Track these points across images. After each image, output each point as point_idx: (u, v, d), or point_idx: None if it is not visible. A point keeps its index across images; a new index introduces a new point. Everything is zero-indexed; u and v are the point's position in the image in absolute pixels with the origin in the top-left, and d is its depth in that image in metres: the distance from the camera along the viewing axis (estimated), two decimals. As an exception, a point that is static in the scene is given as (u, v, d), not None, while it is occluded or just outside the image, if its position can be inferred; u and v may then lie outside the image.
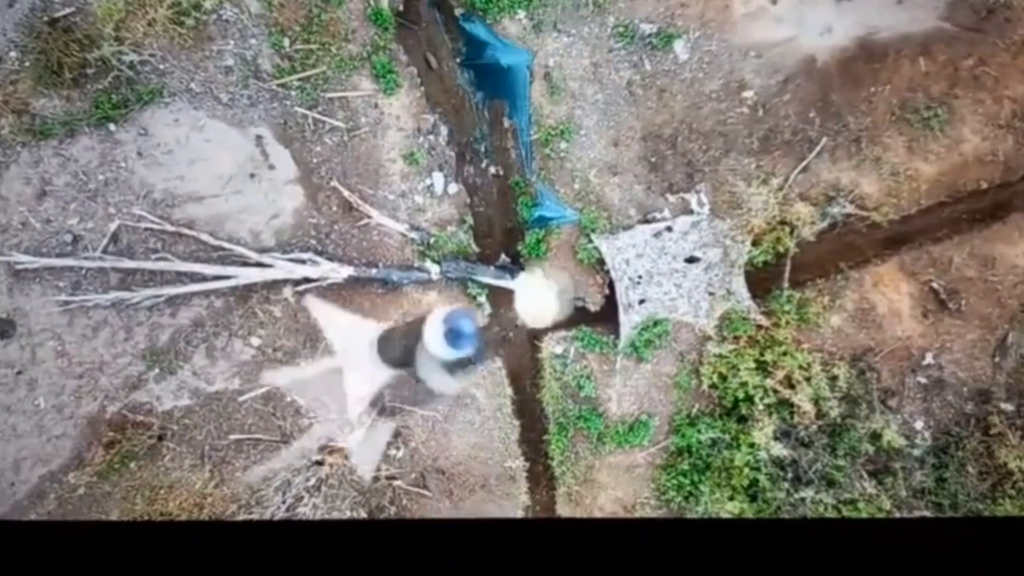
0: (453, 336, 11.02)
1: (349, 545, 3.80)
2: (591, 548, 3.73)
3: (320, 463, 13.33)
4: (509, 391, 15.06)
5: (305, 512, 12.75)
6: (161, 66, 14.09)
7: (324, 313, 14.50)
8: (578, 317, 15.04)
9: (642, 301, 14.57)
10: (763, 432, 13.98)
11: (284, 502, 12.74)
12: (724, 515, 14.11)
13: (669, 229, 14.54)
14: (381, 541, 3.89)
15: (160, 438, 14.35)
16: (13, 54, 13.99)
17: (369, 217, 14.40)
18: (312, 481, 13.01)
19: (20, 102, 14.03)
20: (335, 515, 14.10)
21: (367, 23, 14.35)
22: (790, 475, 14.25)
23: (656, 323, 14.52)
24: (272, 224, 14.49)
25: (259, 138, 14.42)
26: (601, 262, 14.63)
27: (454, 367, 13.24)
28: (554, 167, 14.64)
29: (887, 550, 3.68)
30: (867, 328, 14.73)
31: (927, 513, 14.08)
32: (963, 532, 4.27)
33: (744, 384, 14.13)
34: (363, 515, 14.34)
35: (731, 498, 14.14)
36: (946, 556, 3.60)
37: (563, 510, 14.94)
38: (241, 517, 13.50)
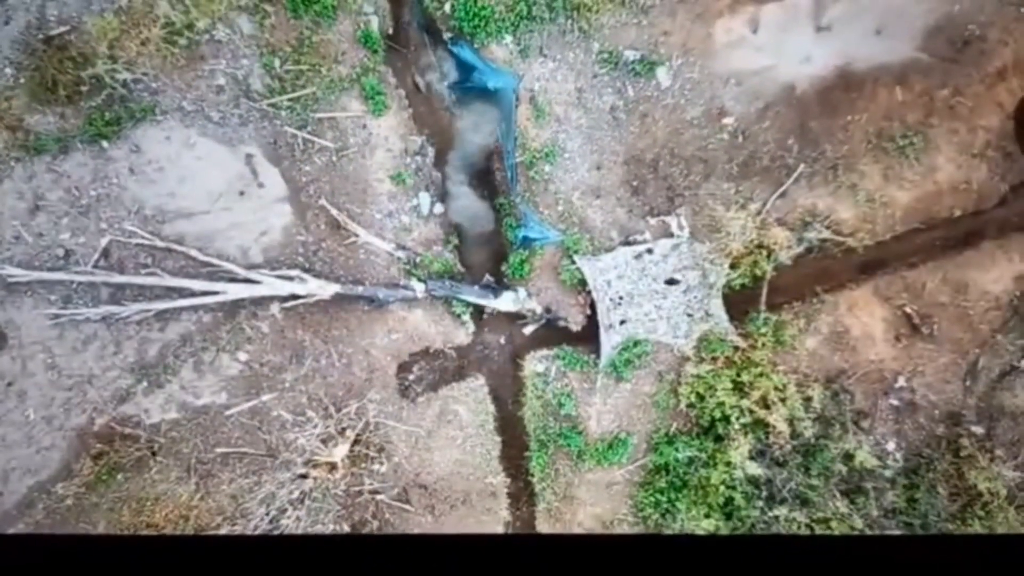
0: None
1: (331, 559, 3.88)
2: (570, 564, 3.84)
3: (304, 476, 13.60)
4: (491, 408, 15.40)
5: (288, 524, 13.02)
6: (154, 84, 14.33)
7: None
8: (560, 336, 15.37)
9: (623, 322, 14.89)
10: (739, 451, 14.33)
11: (268, 514, 13.00)
12: (700, 532, 14.41)
13: (650, 251, 14.87)
14: (362, 556, 3.96)
15: (153, 454, 14.59)
16: (8, 71, 14.19)
17: (356, 236, 14.70)
18: (296, 494, 13.28)
19: (14, 118, 14.25)
20: (318, 528, 14.36)
21: (357, 45, 14.63)
22: (765, 493, 14.58)
23: (636, 343, 14.85)
24: (261, 241, 14.75)
25: (249, 156, 14.68)
26: (583, 283, 14.98)
27: None
28: (538, 189, 14.96)
29: (861, 566, 3.81)
30: (841, 351, 15.09)
31: (896, 531, 14.41)
32: (935, 550, 4.28)
33: (721, 404, 14.48)
34: (346, 529, 14.60)
35: (707, 515, 14.46)
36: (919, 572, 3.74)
37: (543, 526, 15.24)
38: (225, 530, 13.75)
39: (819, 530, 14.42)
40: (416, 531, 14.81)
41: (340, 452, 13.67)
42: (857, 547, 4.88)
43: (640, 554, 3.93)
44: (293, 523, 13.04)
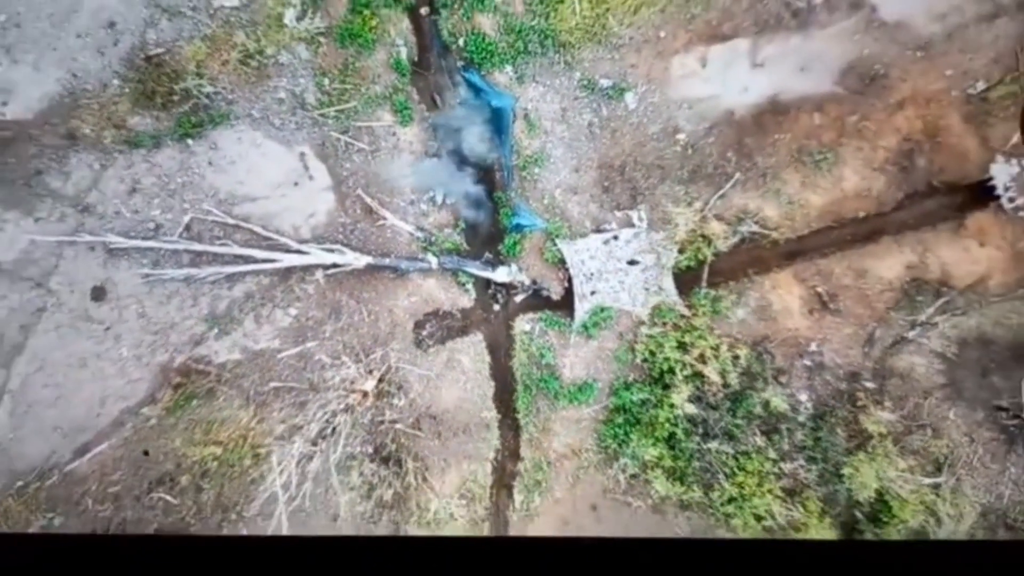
0: None
1: (330, 560, 3.87)
2: (564, 565, 3.84)
3: (346, 395, 17.09)
4: (487, 358, 18.33)
5: (340, 423, 16.47)
6: (230, 96, 17.64)
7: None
8: (543, 303, 18.48)
9: (593, 292, 18.10)
10: (680, 396, 17.32)
11: (325, 414, 16.48)
12: (648, 458, 17.66)
13: (616, 238, 17.98)
14: (362, 556, 3.93)
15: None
16: (116, 82, 17.54)
17: (385, 219, 17.78)
18: (343, 405, 16.81)
19: (119, 119, 17.47)
20: (347, 450, 17.81)
21: (390, 70, 17.90)
22: (700, 430, 17.60)
23: (603, 310, 17.91)
24: (310, 221, 17.94)
25: (302, 155, 17.85)
26: (562, 261, 17.95)
27: None
28: (529, 187, 18.05)
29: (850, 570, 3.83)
30: (765, 321, 17.99)
31: (803, 462, 17.78)
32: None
33: (668, 359, 17.47)
34: (370, 450, 18.03)
35: (653, 445, 17.53)
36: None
37: (526, 452, 18.43)
38: (289, 423, 16.89)
39: (742, 460, 17.69)
40: (426, 453, 18.26)
41: (369, 385, 17.29)
42: (847, 551, 5.08)
43: (633, 555, 3.94)
44: (343, 424, 16.48)
